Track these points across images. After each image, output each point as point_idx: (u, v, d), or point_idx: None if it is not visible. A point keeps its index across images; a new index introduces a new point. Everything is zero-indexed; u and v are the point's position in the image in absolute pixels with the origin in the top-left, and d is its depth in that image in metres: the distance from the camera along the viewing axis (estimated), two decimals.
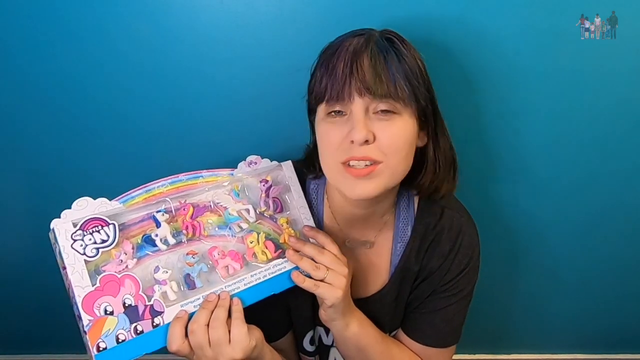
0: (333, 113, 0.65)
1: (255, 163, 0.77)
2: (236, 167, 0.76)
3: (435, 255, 0.75)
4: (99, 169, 0.98)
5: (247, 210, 0.73)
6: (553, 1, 0.86)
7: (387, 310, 0.78)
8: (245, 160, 0.76)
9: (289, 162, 0.78)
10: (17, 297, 1.15)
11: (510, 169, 1.00)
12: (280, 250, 0.72)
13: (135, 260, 0.64)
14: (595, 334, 1.21)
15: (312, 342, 0.83)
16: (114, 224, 0.63)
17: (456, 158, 0.73)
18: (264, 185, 0.75)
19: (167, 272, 0.65)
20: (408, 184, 0.72)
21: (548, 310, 1.17)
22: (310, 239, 0.73)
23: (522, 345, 1.24)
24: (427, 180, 0.71)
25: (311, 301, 0.77)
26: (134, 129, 0.96)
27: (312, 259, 0.69)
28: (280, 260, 0.71)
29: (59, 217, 0.62)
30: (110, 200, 0.65)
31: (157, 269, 0.65)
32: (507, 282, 1.14)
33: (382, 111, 0.63)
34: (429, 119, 0.67)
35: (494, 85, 0.92)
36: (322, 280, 0.68)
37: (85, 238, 0.61)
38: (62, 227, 0.60)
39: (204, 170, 0.73)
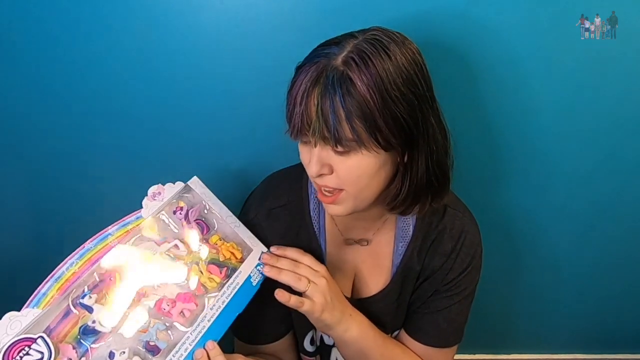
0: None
1: (159, 193, 0.69)
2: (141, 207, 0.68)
3: (437, 254, 0.74)
4: (100, 168, 0.97)
5: (176, 246, 0.67)
6: (553, 1, 0.83)
7: (389, 310, 0.77)
8: (147, 194, 0.69)
9: (195, 178, 0.72)
10: (16, 296, 1.08)
11: (511, 169, 0.99)
12: (225, 267, 0.68)
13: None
14: (595, 334, 1.22)
15: (312, 342, 0.82)
16: (41, 336, 0.54)
17: (435, 180, 0.66)
18: (180, 214, 0.68)
19: (123, 352, 0.58)
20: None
21: (548, 310, 1.18)
22: (280, 256, 0.71)
23: (522, 345, 1.25)
24: (388, 198, 0.67)
25: None
26: (134, 128, 0.94)
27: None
28: (230, 280, 0.68)
29: None
30: (19, 310, 0.55)
31: (112, 355, 0.58)
32: (507, 282, 1.14)
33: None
34: (397, 148, 0.60)
35: (493, 86, 0.90)
36: (304, 294, 0.67)
37: None
38: None
39: (110, 227, 0.65)
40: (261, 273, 0.70)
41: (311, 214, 0.75)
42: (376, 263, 0.77)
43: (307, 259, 0.70)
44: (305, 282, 0.68)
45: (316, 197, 0.74)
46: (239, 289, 0.68)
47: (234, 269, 0.69)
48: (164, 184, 0.69)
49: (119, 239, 0.64)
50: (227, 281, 0.67)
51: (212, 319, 0.65)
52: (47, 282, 0.58)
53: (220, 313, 0.65)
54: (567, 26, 0.85)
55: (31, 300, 0.56)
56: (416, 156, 0.63)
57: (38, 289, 0.57)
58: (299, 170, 0.75)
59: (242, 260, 0.70)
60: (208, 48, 0.87)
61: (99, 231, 0.62)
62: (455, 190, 0.77)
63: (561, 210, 1.04)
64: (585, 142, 0.96)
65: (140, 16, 0.85)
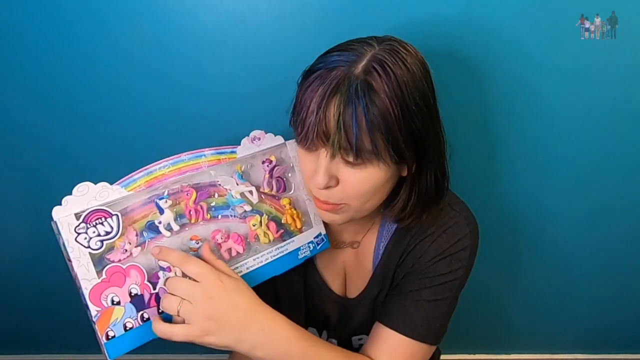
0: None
1: (259, 139, 0.74)
2: (239, 144, 0.73)
3: (418, 246, 0.71)
4: (99, 168, 0.97)
5: (250, 192, 0.71)
6: (553, 1, 0.85)
7: (364, 312, 0.77)
8: (248, 136, 0.73)
9: (293, 141, 0.75)
10: (16, 296, 1.17)
11: (512, 168, 1.00)
12: (282, 230, 0.73)
13: (139, 248, 0.63)
14: (595, 334, 1.22)
15: None
16: (117, 215, 0.61)
17: (441, 192, 0.67)
18: (267, 166, 0.73)
19: None
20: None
21: (548, 310, 1.19)
22: (160, 261, 0.62)
23: (522, 345, 1.25)
24: (395, 211, 0.67)
25: (304, 303, 0.79)
26: (133, 128, 0.96)
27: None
28: (282, 243, 0.72)
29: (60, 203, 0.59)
30: (111, 184, 0.62)
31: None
32: (507, 282, 1.15)
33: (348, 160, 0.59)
34: (409, 160, 0.60)
35: (494, 85, 0.91)
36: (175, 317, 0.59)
37: (89, 231, 0.59)
38: (65, 221, 0.58)
39: (207, 149, 0.70)
40: (310, 251, 0.74)
41: None
42: (360, 265, 0.77)
43: (193, 266, 0.59)
44: (177, 301, 0.57)
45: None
46: (285, 255, 0.72)
47: (290, 235, 0.73)
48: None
49: (209, 162, 0.69)
50: (279, 243, 0.72)
51: (250, 269, 0.70)
52: (140, 171, 0.65)
53: (260, 267, 0.70)
54: (567, 26, 0.86)
55: (123, 181, 0.63)
56: (424, 168, 0.63)
57: (131, 174, 0.64)
58: None
59: (300, 231, 0.74)
60: (208, 48, 0.89)
61: None
62: (455, 190, 0.76)
63: (561, 210, 1.05)
64: (586, 142, 0.97)
65: (141, 17, 0.86)
